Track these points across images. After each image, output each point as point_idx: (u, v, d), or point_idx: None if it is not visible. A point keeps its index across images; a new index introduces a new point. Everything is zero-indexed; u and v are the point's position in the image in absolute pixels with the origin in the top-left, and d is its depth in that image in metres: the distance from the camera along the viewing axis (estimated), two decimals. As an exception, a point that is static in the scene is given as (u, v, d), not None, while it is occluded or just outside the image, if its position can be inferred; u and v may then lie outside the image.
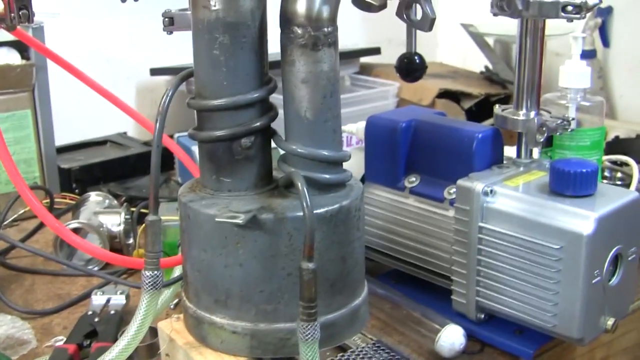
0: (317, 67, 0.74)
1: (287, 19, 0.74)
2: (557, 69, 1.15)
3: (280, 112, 0.78)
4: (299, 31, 0.73)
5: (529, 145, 1.01)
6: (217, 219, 0.72)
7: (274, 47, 0.78)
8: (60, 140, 1.64)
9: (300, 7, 0.73)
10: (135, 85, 1.96)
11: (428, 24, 0.83)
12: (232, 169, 0.76)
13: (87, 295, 1.14)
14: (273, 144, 0.79)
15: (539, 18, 0.97)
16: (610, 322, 0.92)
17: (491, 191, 0.94)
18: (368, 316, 0.82)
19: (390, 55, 1.04)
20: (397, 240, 1.09)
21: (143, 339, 0.97)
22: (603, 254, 0.89)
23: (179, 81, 0.77)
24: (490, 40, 2.09)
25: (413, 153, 1.08)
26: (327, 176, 0.76)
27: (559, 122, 1.01)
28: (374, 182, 1.12)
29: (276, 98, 0.78)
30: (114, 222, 1.30)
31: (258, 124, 0.76)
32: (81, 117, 1.81)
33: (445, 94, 1.81)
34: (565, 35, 1.17)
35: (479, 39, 2.07)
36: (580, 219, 0.87)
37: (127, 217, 1.31)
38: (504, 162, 1.03)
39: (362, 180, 1.13)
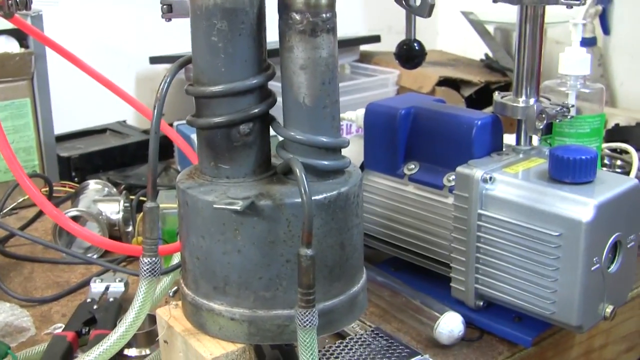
0: (315, 53, 0.74)
1: (285, 5, 0.73)
2: (557, 56, 1.15)
3: (279, 98, 0.78)
4: (298, 17, 0.73)
5: (529, 132, 1.01)
6: (215, 206, 0.72)
7: (273, 35, 0.77)
8: (60, 128, 1.63)
9: (299, -7, 0.73)
10: (135, 73, 1.95)
11: (427, 9, 0.83)
12: (230, 155, 0.76)
13: (86, 283, 1.14)
14: (272, 131, 0.79)
15: (538, 5, 0.97)
16: (609, 309, 0.92)
17: (490, 178, 0.94)
18: (366, 303, 0.82)
19: (391, 43, 1.03)
20: (396, 228, 1.09)
21: (142, 326, 0.96)
22: (602, 241, 0.89)
23: (176, 68, 0.77)
24: (490, 28, 2.08)
25: (412, 140, 1.07)
26: (325, 162, 0.76)
27: (558, 109, 1.01)
28: (373, 170, 1.12)
29: (275, 85, 0.77)
30: (113, 210, 1.30)
31: (256, 110, 0.76)
32: (81, 106, 1.81)
33: (445, 82, 1.81)
34: (565, 23, 1.17)
35: (479, 26, 2.07)
36: (579, 205, 0.87)
37: (126, 204, 1.31)
38: (504, 149, 1.03)
39: (362, 167, 1.13)
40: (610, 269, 0.91)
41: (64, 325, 1.01)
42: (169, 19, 0.92)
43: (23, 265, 1.25)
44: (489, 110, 1.05)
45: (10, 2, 0.91)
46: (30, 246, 1.31)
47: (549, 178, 0.92)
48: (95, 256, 1.25)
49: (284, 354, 0.85)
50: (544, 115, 0.99)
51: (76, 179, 1.57)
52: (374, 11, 2.22)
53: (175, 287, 1.06)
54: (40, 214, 1.41)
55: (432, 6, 0.83)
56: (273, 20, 0.76)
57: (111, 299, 1.06)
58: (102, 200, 1.33)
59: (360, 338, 0.88)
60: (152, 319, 0.98)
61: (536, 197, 0.90)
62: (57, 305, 1.12)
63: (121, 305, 1.04)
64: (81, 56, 1.08)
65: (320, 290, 0.72)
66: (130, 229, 1.30)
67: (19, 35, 1.47)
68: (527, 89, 1.01)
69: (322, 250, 0.74)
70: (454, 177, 0.99)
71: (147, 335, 0.97)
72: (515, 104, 1.01)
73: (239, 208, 0.70)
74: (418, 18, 0.94)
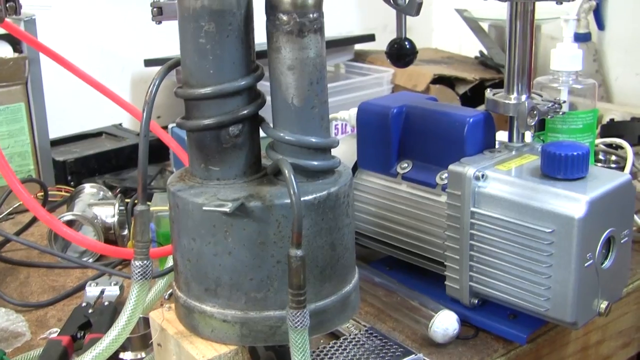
0: (303, 54, 0.74)
1: (272, 6, 0.73)
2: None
3: (268, 99, 0.78)
4: (284, 18, 0.73)
5: (520, 129, 1.01)
6: (204, 208, 0.72)
7: (261, 37, 0.77)
8: (56, 132, 1.64)
9: (286, -7, 0.73)
10: (130, 76, 1.96)
11: (415, 8, 0.83)
12: (220, 157, 0.76)
13: (81, 287, 1.14)
14: (262, 132, 0.79)
15: (528, 1, 0.97)
16: (604, 305, 0.92)
17: (482, 175, 0.94)
18: (359, 303, 0.82)
19: (385, 42, 1.03)
20: (390, 227, 1.09)
21: (137, 329, 0.97)
22: (595, 237, 0.89)
23: (165, 70, 0.77)
24: (484, 25, 2.08)
25: (405, 139, 1.07)
26: (315, 163, 0.76)
27: (550, 105, 1.01)
28: (367, 169, 1.12)
29: (264, 85, 0.77)
30: (108, 213, 1.30)
31: (245, 111, 0.76)
32: (76, 109, 1.81)
33: (439, 80, 1.81)
34: (559, 19, 1.16)
35: (473, 23, 2.07)
36: (571, 202, 0.87)
37: (122, 208, 1.31)
38: (497, 146, 1.03)
39: (355, 167, 1.13)
40: (604, 265, 0.91)
41: (59, 330, 1.01)
42: (160, 22, 0.92)
43: (19, 270, 1.25)
44: (483, 107, 1.04)
45: (0, 7, 0.91)
46: (26, 251, 1.31)
47: (541, 175, 0.92)
48: (90, 260, 1.25)
49: (278, 354, 0.85)
50: (535, 112, 0.99)
51: (72, 183, 1.57)
52: (368, 10, 2.23)
53: (170, 290, 1.05)
54: (36, 218, 1.41)
55: (419, 4, 0.83)
56: (262, 22, 0.76)
57: (106, 303, 1.06)
58: (97, 204, 1.33)
59: (355, 338, 0.88)
60: (146, 322, 0.98)
61: (528, 193, 0.90)
62: (53, 310, 1.12)
63: (116, 308, 1.04)
64: (76, 59, 1.08)
65: (311, 291, 0.72)
66: (125, 232, 1.30)
67: (12, 40, 1.47)
68: (518, 85, 1.00)
69: (313, 251, 0.74)
70: (446, 175, 0.99)
71: (142, 338, 0.97)
72: (506, 101, 1.01)
73: (228, 210, 0.70)
74: (414, 17, 0.93)
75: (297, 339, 0.70)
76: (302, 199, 0.70)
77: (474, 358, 0.95)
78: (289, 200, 0.70)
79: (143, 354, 0.96)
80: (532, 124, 1.00)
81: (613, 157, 1.40)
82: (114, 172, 1.61)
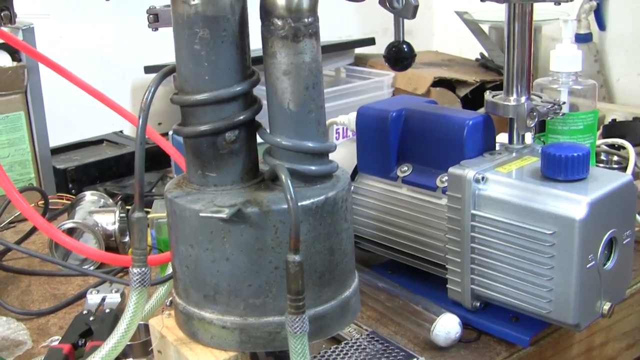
0: (298, 59, 0.73)
1: (267, 11, 0.73)
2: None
3: (265, 104, 0.78)
4: (279, 23, 0.72)
5: (520, 130, 1.00)
6: (201, 214, 0.72)
7: (257, 42, 0.77)
8: (57, 140, 1.63)
9: (280, -2, 0.73)
10: (130, 84, 1.96)
11: (411, 11, 0.82)
12: (217, 163, 0.76)
13: (83, 295, 1.14)
14: (259, 138, 0.79)
15: (526, 2, 0.96)
16: (607, 306, 0.91)
17: (482, 178, 0.93)
18: (359, 307, 0.82)
19: (386, 45, 1.03)
20: (391, 231, 1.09)
21: (137, 336, 0.97)
22: (597, 238, 0.88)
23: (161, 77, 0.77)
24: (485, 27, 2.08)
25: (404, 142, 1.07)
26: (312, 168, 0.75)
27: (549, 106, 1.00)
28: (367, 173, 1.11)
29: (261, 90, 0.77)
30: (109, 220, 1.30)
31: (242, 117, 0.75)
32: (76, 117, 1.81)
33: (440, 82, 1.80)
34: (559, 20, 1.16)
35: (473, 26, 2.07)
36: (572, 203, 0.86)
37: (122, 215, 1.31)
38: (497, 148, 1.02)
39: (355, 171, 1.13)
40: (606, 266, 0.91)
41: (60, 338, 1.01)
42: (156, 29, 0.92)
43: (20, 278, 1.25)
44: (483, 110, 1.04)
45: (-6, 17, 0.91)
46: (27, 259, 1.30)
47: (541, 176, 0.92)
48: (92, 268, 1.25)
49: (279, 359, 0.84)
50: (535, 113, 0.99)
51: (73, 190, 1.57)
52: (368, 14, 2.22)
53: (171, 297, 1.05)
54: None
55: (415, 7, 0.83)
56: (257, 27, 0.76)
57: (107, 310, 1.05)
58: (98, 212, 1.33)
59: (356, 342, 0.87)
60: (148, 328, 0.98)
61: (529, 195, 0.90)
62: (55, 318, 1.11)
63: (117, 315, 1.04)
64: (75, 68, 1.08)
65: (310, 296, 0.71)
66: (126, 239, 1.30)
67: (11, 49, 1.47)
68: (517, 87, 1.00)
69: (311, 256, 0.73)
70: (446, 178, 0.98)
71: (143, 346, 0.97)
72: (506, 103, 1.00)
73: (225, 216, 0.70)
74: (415, 20, 0.93)
75: (297, 345, 0.70)
76: (299, 204, 0.70)
77: (477, 361, 0.94)
78: (286, 206, 0.69)
79: (144, 362, 0.96)
80: (532, 125, 0.99)
81: (615, 158, 1.40)
82: (115, 180, 1.61)
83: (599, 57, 1.99)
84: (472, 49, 2.12)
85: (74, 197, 1.49)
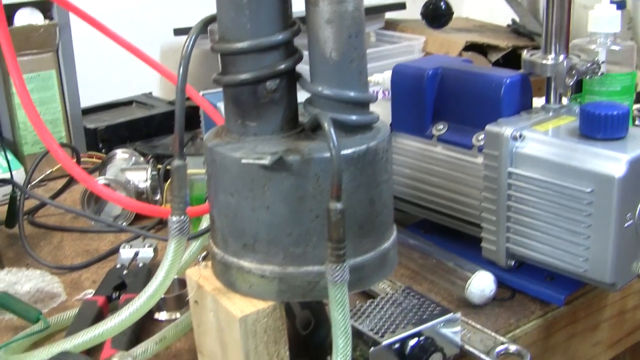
0: (341, 7, 0.73)
1: (310, -41, 0.72)
2: (585, 22, 1.13)
3: (306, 54, 0.77)
4: (323, -30, 0.72)
5: (558, 89, 1.00)
6: (243, 161, 0.71)
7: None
8: (86, 101, 1.63)
9: (324, -55, 0.72)
10: (160, 46, 1.95)
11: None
12: (257, 112, 0.75)
13: (115, 251, 1.15)
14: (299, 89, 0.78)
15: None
16: (644, 267, 0.91)
17: (520, 136, 0.93)
18: (397, 260, 0.81)
19: (416, 11, 1.03)
20: (426, 189, 1.08)
21: (171, 289, 0.97)
22: (635, 197, 0.87)
23: (201, 26, 0.76)
24: (517, -7, 2.06)
25: (440, 101, 1.06)
26: (353, 117, 0.75)
27: (588, 65, 0.99)
28: (401, 131, 1.11)
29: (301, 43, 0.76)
30: (141, 178, 1.30)
31: (283, 66, 0.75)
32: (106, 79, 1.81)
33: (471, 47, 1.79)
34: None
35: (505, -9, 2.05)
36: (611, 161, 0.85)
37: (154, 173, 1.31)
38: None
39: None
40: (644, 226, 0.90)
41: (94, 291, 1.02)
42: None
43: (52, 234, 1.26)
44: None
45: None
46: (59, 217, 1.31)
47: (579, 135, 0.91)
48: (124, 224, 1.25)
49: (315, 313, 0.84)
50: (574, 72, 0.98)
51: (103, 150, 1.57)
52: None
53: (205, 253, 1.05)
54: (68, 184, 1.42)
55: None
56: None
57: (140, 265, 1.06)
58: (129, 169, 1.33)
59: (392, 297, 0.87)
60: (181, 283, 0.98)
61: (567, 153, 0.89)
62: (87, 273, 1.12)
63: (150, 270, 1.04)
64: (105, 30, 1.07)
65: (350, 246, 0.71)
66: (158, 197, 1.30)
67: (43, 7, 1.47)
68: (556, 45, 0.99)
69: (352, 206, 0.73)
70: (483, 136, 0.98)
71: (177, 299, 0.98)
72: (544, 61, 0.99)
73: (267, 162, 0.70)
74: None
75: (337, 294, 0.69)
76: (341, 152, 0.69)
77: (511, 319, 0.94)
78: (328, 154, 0.69)
79: (178, 315, 0.96)
80: (571, 84, 0.98)
81: (649, 123, 1.38)
82: (145, 140, 1.61)
83: (633, 24, 1.96)
84: (502, 16, 2.10)
85: (104, 156, 1.49)
